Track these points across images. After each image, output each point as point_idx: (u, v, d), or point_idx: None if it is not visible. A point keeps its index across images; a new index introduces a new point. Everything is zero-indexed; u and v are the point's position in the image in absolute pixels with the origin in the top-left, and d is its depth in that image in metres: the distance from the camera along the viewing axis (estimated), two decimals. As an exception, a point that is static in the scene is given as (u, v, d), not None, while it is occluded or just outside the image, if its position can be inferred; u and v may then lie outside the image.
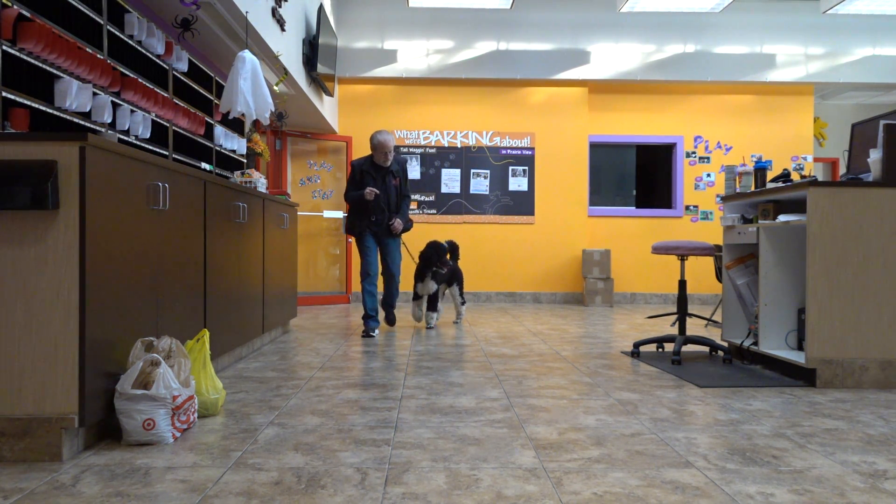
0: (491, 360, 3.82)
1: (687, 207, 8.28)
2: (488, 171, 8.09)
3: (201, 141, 4.65)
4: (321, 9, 6.16)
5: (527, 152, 8.10)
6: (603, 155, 8.51)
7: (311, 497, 1.69)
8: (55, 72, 2.89)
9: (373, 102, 8.03)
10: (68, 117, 2.99)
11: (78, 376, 1.96)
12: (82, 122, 3.11)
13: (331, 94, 6.99)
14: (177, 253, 2.68)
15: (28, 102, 2.70)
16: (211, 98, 4.82)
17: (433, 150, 8.08)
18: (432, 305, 5.34)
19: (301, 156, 7.91)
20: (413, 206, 8.00)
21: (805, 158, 8.25)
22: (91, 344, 2.00)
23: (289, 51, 5.42)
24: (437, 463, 1.96)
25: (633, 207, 8.51)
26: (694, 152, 8.26)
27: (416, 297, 5.41)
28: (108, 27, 3.33)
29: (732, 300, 4.00)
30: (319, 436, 2.24)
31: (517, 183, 8.10)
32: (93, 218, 2.00)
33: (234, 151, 5.38)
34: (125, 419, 2.09)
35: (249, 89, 4.06)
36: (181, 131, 4.29)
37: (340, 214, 7.97)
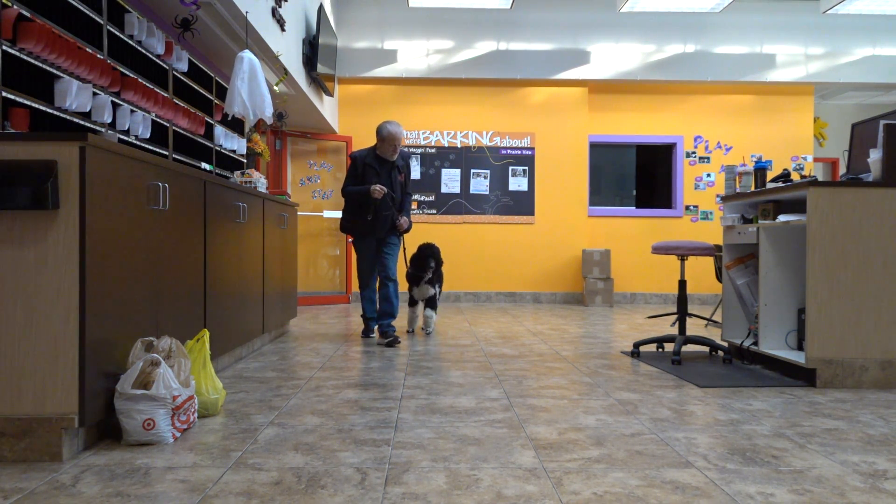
0: (491, 360, 3.82)
1: (687, 207, 8.27)
2: (488, 171, 8.09)
3: (201, 141, 4.65)
4: (321, 9, 6.16)
5: (527, 152, 8.10)
6: (603, 155, 8.51)
7: (311, 497, 1.69)
8: (55, 72, 2.89)
9: (373, 102, 8.03)
10: (68, 117, 2.99)
11: (78, 376, 1.96)
12: (82, 122, 3.11)
13: (331, 94, 6.99)
14: (177, 253, 2.68)
15: (28, 102, 2.70)
16: (211, 98, 4.81)
17: (433, 150, 8.08)
18: (432, 304, 5.01)
19: (301, 156, 7.91)
20: (413, 205, 8.00)
21: (805, 158, 8.25)
22: (91, 344, 2.00)
23: (289, 51, 5.42)
24: (437, 463, 1.96)
25: (633, 207, 8.51)
26: (694, 152, 8.26)
27: (413, 302, 5.10)
28: (108, 27, 3.33)
29: (732, 300, 4.00)
30: (319, 436, 2.24)
31: (517, 183, 8.10)
32: (93, 218, 2.00)
33: (234, 151, 5.38)
34: (125, 419, 2.09)
35: (246, 89, 4.06)
36: (181, 131, 4.29)
37: (340, 214, 7.94)
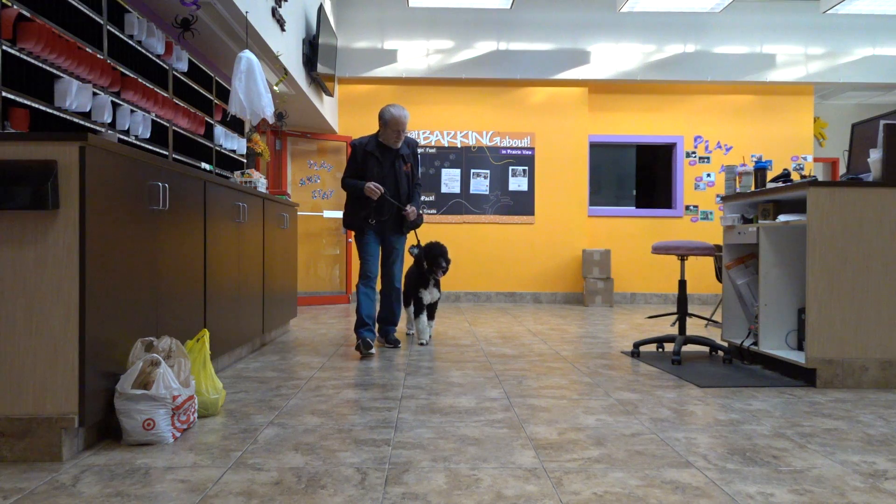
0: (491, 360, 3.82)
1: (687, 207, 8.27)
2: (488, 171, 8.08)
3: (201, 141, 4.65)
4: (321, 9, 6.16)
5: (527, 152, 8.10)
6: (603, 155, 8.51)
7: (311, 497, 1.69)
8: (55, 72, 2.89)
9: (373, 102, 8.03)
10: (68, 117, 2.99)
11: (78, 376, 1.96)
12: (82, 122, 3.11)
13: (331, 94, 6.99)
14: (177, 253, 2.68)
15: (28, 102, 2.70)
16: (211, 98, 4.81)
17: (433, 150, 8.08)
18: (430, 314, 4.54)
19: (301, 156, 7.91)
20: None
21: (805, 158, 8.25)
22: (91, 344, 2.00)
23: (289, 51, 5.42)
24: (437, 463, 1.96)
25: (633, 207, 8.51)
26: (694, 152, 8.26)
27: (420, 309, 4.45)
28: (108, 27, 3.33)
29: (732, 300, 4.00)
30: (319, 436, 2.24)
31: (517, 183, 8.10)
32: (93, 218, 2.00)
33: (234, 151, 5.38)
34: (125, 419, 2.09)
35: (243, 88, 4.06)
36: (181, 131, 4.29)
37: (340, 214, 7.95)
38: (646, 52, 7.89)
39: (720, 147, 8.26)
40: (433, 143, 8.08)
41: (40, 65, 2.79)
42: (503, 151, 8.10)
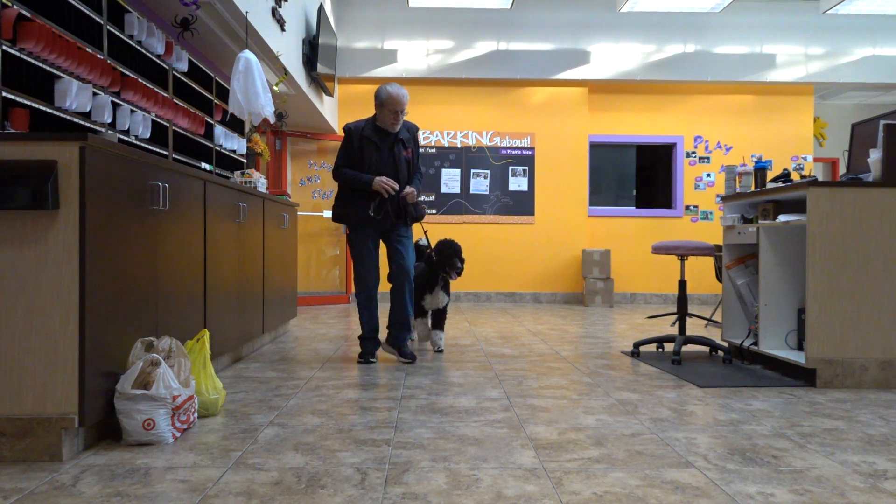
0: (491, 360, 3.82)
1: (687, 207, 8.28)
2: (488, 171, 8.09)
3: (201, 141, 4.65)
4: (321, 9, 6.16)
5: (527, 152, 8.10)
6: (603, 155, 8.51)
7: (311, 497, 1.69)
8: (55, 72, 2.89)
9: (372, 102, 8.02)
10: (68, 117, 2.99)
11: (78, 376, 1.96)
12: (82, 122, 3.11)
13: (331, 94, 6.99)
14: (177, 253, 2.68)
15: (28, 102, 2.70)
16: (211, 98, 4.81)
17: (433, 150, 8.08)
18: (439, 322, 4.14)
19: (301, 156, 7.91)
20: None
21: (805, 158, 8.25)
22: (91, 344, 2.00)
23: (289, 51, 5.42)
24: (437, 463, 1.96)
25: (633, 207, 8.51)
26: (694, 152, 8.26)
27: (422, 312, 4.17)
28: (108, 27, 3.33)
29: (732, 300, 4.00)
30: (319, 436, 2.24)
31: (517, 183, 8.10)
32: (93, 218, 2.00)
33: (234, 151, 5.38)
34: (125, 419, 2.09)
35: (241, 89, 4.06)
36: (181, 131, 4.29)
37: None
38: (646, 52, 7.89)
39: (720, 147, 8.26)
40: (433, 143, 8.08)
41: (40, 65, 2.79)
42: (503, 151, 8.10)
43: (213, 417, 2.48)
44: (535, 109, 8.11)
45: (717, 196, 5.95)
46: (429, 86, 8.07)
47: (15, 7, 2.62)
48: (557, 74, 7.89)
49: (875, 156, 3.15)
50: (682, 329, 3.92)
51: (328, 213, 7.88)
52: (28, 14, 2.69)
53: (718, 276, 5.54)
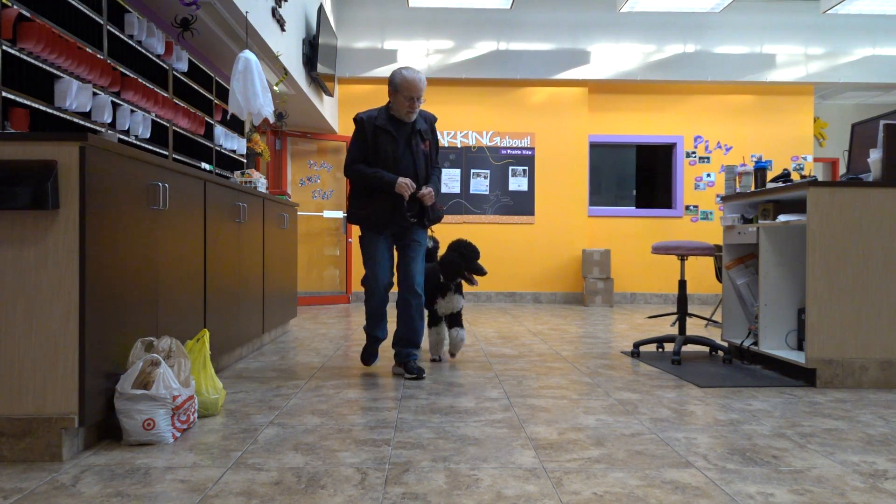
0: (491, 360, 3.82)
1: (687, 207, 8.27)
2: (488, 171, 8.08)
3: (201, 141, 4.65)
4: (321, 9, 6.16)
5: (527, 152, 8.10)
6: (603, 155, 8.51)
7: (311, 497, 1.69)
8: (55, 72, 2.89)
9: (373, 102, 8.01)
10: (68, 117, 2.99)
11: (78, 376, 1.96)
12: (82, 122, 3.11)
13: (331, 94, 6.99)
14: (177, 253, 2.68)
15: (28, 102, 2.70)
16: (211, 98, 4.81)
17: (433, 150, 8.07)
18: (457, 320, 3.78)
19: (301, 156, 7.91)
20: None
21: (805, 158, 8.25)
22: (91, 344, 2.00)
23: (289, 51, 5.42)
24: (437, 463, 1.96)
25: (633, 207, 8.51)
26: (694, 152, 8.26)
27: (436, 319, 3.77)
28: (108, 27, 3.33)
29: (732, 300, 4.00)
30: (319, 436, 2.24)
31: (517, 183, 8.10)
32: (93, 218, 2.00)
33: (234, 151, 5.38)
34: (125, 419, 2.09)
35: (240, 89, 4.06)
36: (181, 131, 4.29)
37: (341, 214, 7.95)
38: (646, 52, 7.89)
39: (720, 147, 8.26)
40: (433, 143, 8.07)
41: (40, 65, 2.79)
42: (503, 151, 8.10)
43: (213, 417, 2.47)
44: (535, 109, 8.11)
45: (717, 196, 5.95)
46: (429, 86, 8.07)
47: (15, 7, 2.61)
48: (557, 74, 7.89)
49: (875, 156, 3.15)
50: (682, 329, 3.92)
51: (328, 213, 7.88)
52: (28, 14, 2.69)
53: (718, 276, 5.53)
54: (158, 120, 3.93)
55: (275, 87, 5.43)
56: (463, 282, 3.82)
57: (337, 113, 7.96)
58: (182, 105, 4.26)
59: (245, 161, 5.68)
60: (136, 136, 3.66)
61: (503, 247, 8.08)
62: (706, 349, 4.30)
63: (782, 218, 3.40)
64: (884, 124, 3.09)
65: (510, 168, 8.09)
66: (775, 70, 7.92)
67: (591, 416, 2.53)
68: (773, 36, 7.92)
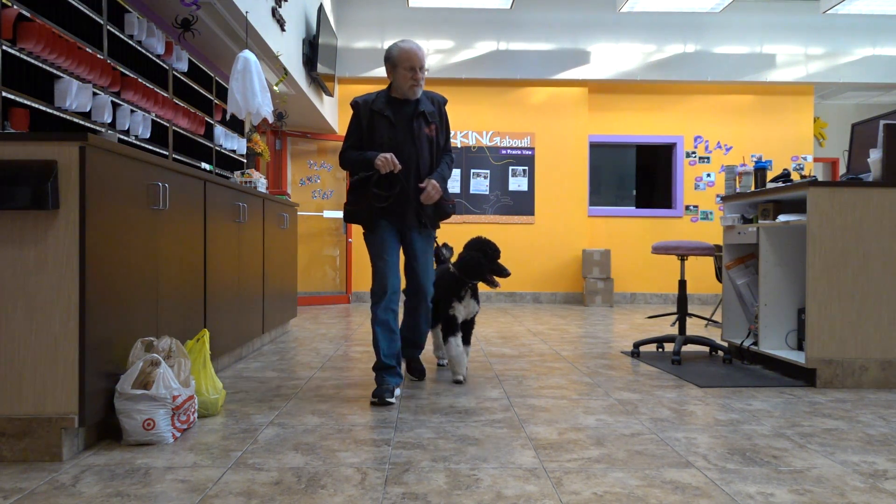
0: (491, 360, 3.82)
1: (687, 207, 8.27)
2: (488, 171, 8.08)
3: (201, 141, 4.65)
4: (321, 9, 6.16)
5: (527, 152, 8.10)
6: (603, 155, 8.51)
7: (311, 497, 1.69)
8: (55, 72, 2.89)
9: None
10: (68, 117, 2.99)
11: (78, 376, 1.96)
12: (82, 122, 3.11)
13: (331, 94, 6.99)
14: (177, 253, 2.68)
15: (28, 102, 2.70)
16: (211, 98, 4.81)
17: (433, 150, 8.07)
18: (467, 335, 3.33)
19: (301, 156, 7.91)
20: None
21: (805, 158, 8.25)
22: (91, 344, 2.00)
23: (289, 51, 5.42)
24: (437, 463, 1.96)
25: (633, 207, 8.50)
26: (694, 152, 8.26)
27: (454, 327, 3.19)
28: (108, 27, 3.33)
29: (732, 300, 4.00)
30: (319, 436, 2.24)
31: (517, 183, 8.10)
32: (93, 218, 2.00)
33: (234, 151, 5.38)
34: (125, 419, 2.09)
35: (239, 89, 4.06)
36: (181, 131, 4.29)
37: (341, 214, 7.95)
38: (646, 52, 7.89)
39: (720, 147, 8.26)
40: (433, 143, 8.07)
41: (40, 65, 2.79)
42: (503, 151, 8.10)
43: (213, 417, 2.47)
44: (534, 109, 8.11)
45: (717, 196, 5.95)
46: (429, 86, 8.07)
47: (15, 7, 2.61)
48: (557, 74, 7.89)
49: (875, 156, 3.15)
50: (682, 329, 3.92)
51: (328, 213, 7.88)
52: (28, 14, 2.69)
53: (718, 276, 5.54)
54: (158, 120, 3.93)
55: (275, 87, 5.43)
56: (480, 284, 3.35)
57: (337, 113, 7.96)
58: (182, 105, 4.26)
59: (245, 161, 5.68)
60: (136, 136, 3.66)
61: (503, 247, 8.08)
62: (706, 349, 4.30)
63: (782, 218, 3.40)
64: (884, 124, 3.08)
65: (510, 168, 8.09)
66: (775, 70, 7.92)
67: (591, 416, 2.53)
68: (773, 36, 7.92)
